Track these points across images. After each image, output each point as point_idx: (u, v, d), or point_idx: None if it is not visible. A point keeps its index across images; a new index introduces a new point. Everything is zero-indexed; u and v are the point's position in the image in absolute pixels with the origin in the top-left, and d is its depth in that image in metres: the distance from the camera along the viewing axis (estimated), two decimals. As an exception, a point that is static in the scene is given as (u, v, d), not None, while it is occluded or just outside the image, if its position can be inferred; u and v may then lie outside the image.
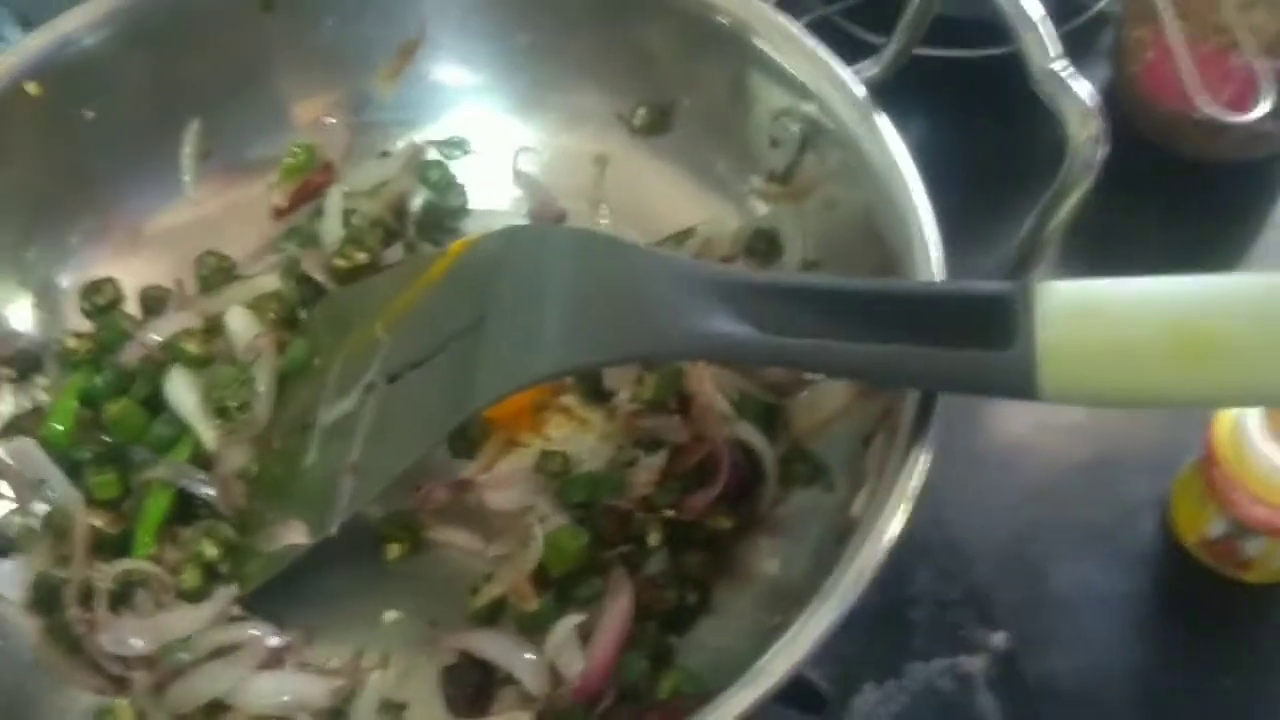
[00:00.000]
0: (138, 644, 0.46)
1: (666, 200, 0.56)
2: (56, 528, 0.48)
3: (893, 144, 0.45)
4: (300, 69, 0.56)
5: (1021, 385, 0.34)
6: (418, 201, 0.57)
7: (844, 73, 0.47)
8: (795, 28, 0.48)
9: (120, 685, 0.45)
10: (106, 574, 0.47)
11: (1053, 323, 0.34)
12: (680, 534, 0.47)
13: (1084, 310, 0.35)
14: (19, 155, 0.51)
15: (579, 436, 0.51)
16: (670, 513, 0.47)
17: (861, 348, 0.36)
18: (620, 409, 0.50)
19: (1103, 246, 0.64)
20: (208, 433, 0.50)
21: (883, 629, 0.52)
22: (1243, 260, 0.66)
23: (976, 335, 0.35)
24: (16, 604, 0.46)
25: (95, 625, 0.46)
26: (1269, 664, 0.54)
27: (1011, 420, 0.62)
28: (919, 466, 0.38)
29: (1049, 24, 0.39)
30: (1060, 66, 0.38)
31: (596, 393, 0.52)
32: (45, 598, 0.46)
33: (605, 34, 0.54)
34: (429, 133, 0.58)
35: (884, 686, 0.51)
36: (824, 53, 0.47)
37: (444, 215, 0.57)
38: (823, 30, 0.52)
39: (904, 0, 0.45)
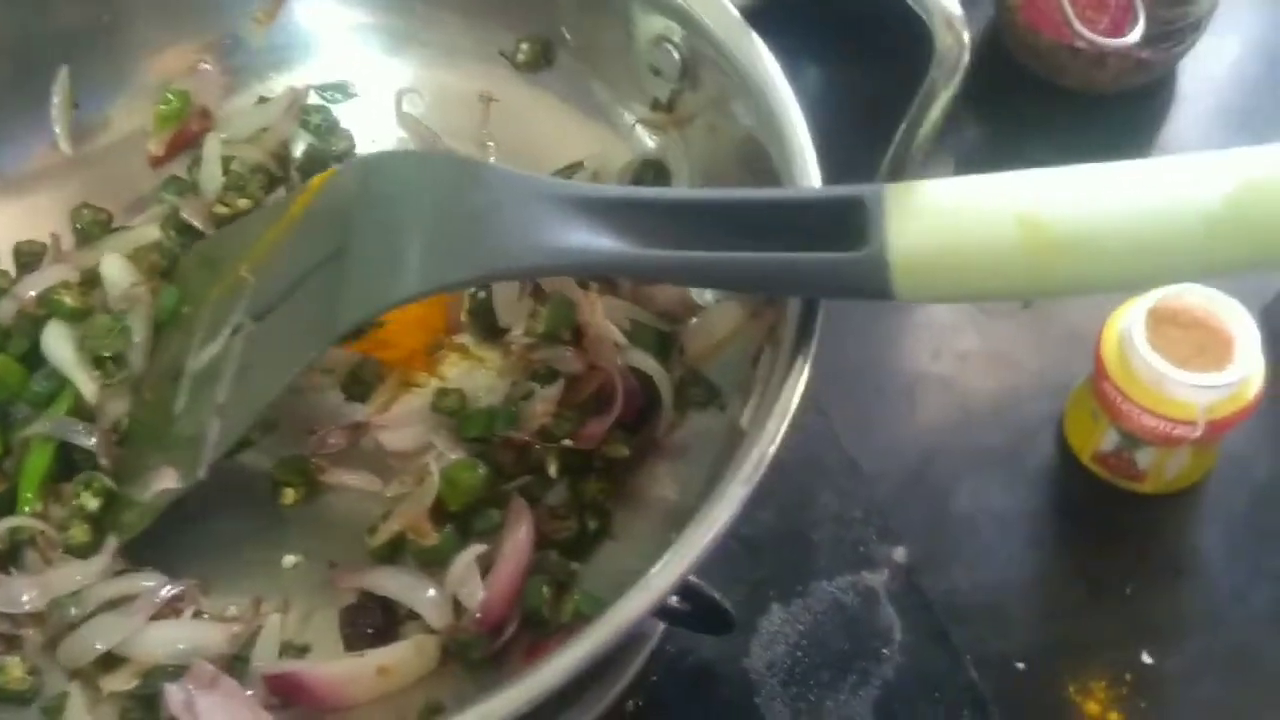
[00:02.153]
0: (26, 601, 0.44)
1: (553, 136, 0.55)
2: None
3: (769, 65, 0.45)
4: (170, 13, 0.55)
5: (877, 284, 0.35)
6: (300, 146, 0.56)
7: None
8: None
9: (10, 644, 0.44)
10: (-6, 532, 0.45)
11: (903, 221, 0.35)
12: (579, 463, 0.47)
13: (934, 208, 0.36)
14: None
15: (474, 374, 0.51)
16: (568, 442, 0.47)
17: (725, 256, 0.36)
18: (515, 344, 0.50)
19: (993, 171, 0.66)
20: (87, 385, 0.48)
21: (786, 550, 0.53)
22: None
23: (835, 238, 0.36)
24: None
25: (-19, 585, 0.44)
26: (1164, 571, 0.56)
27: (911, 349, 0.63)
28: (800, 376, 0.38)
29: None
30: (925, -29, 0.39)
31: (490, 329, 0.51)
32: (-72, 561, 0.45)
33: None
34: (308, 76, 0.57)
35: (790, 606, 0.52)
36: (700, -24, 0.47)
37: (329, 159, 0.56)
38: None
39: None
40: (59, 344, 0.49)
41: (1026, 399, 0.61)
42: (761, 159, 0.45)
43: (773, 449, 0.37)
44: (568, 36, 0.54)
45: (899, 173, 0.42)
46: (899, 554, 0.54)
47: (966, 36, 0.39)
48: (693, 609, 0.48)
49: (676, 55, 0.49)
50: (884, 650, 0.51)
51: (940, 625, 0.52)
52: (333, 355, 0.51)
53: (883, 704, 0.50)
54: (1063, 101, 0.70)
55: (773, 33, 0.47)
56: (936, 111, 0.40)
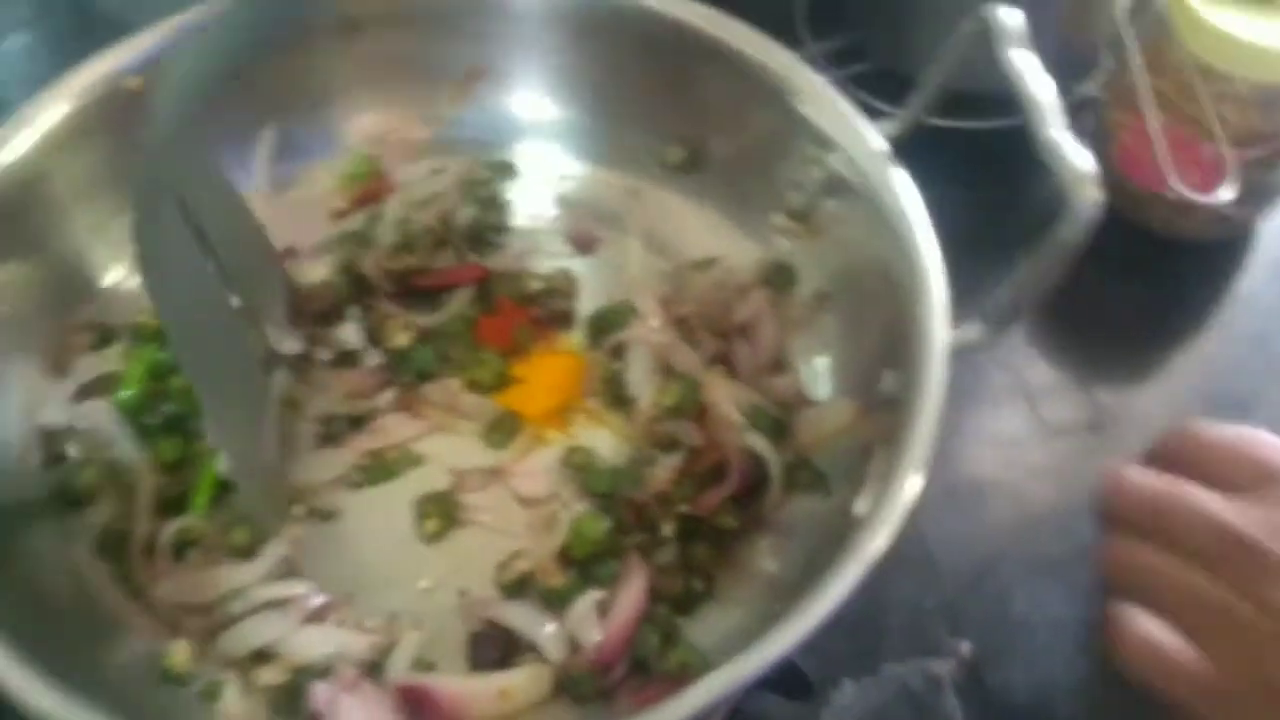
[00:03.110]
0: (195, 594, 0.50)
1: (693, 231, 0.61)
2: (123, 485, 0.52)
3: (907, 196, 0.50)
4: (372, 86, 0.61)
5: None
6: (465, 215, 0.62)
7: (866, 128, 0.52)
8: (828, 85, 0.54)
9: (174, 630, 0.50)
10: (167, 529, 0.51)
11: None
12: (690, 529, 0.52)
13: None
14: (112, 140, 0.55)
15: (600, 436, 0.56)
16: (684, 508, 0.52)
17: None
18: (642, 414, 0.55)
19: (1076, 305, 0.70)
20: None
21: (862, 630, 0.57)
22: (1201, 330, 0.72)
23: None
24: (85, 550, 0.50)
25: (157, 575, 0.50)
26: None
27: (984, 459, 0.67)
28: (915, 482, 0.43)
29: (1053, 93, 0.46)
30: (1063, 133, 0.44)
31: (618, 398, 0.57)
32: (112, 547, 0.51)
33: (657, 78, 0.59)
34: (481, 153, 0.64)
35: (861, 683, 0.56)
36: (851, 109, 0.53)
37: (487, 230, 0.62)
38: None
39: (914, 71, 0.50)
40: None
41: (1085, 516, 0.65)
42: (889, 278, 0.51)
43: (886, 545, 0.42)
44: (717, 145, 0.60)
45: (1013, 313, 0.47)
46: (965, 647, 0.58)
47: (1100, 195, 0.44)
48: (777, 674, 0.53)
49: (817, 173, 0.55)
50: (946, 735, 0.55)
51: (996, 716, 0.56)
52: (477, 405, 0.57)
53: (941, 785, 0.54)
54: (1144, 242, 0.74)
55: (916, 155, 0.52)
56: (1061, 262, 0.45)
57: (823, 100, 0.54)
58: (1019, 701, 0.58)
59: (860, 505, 0.45)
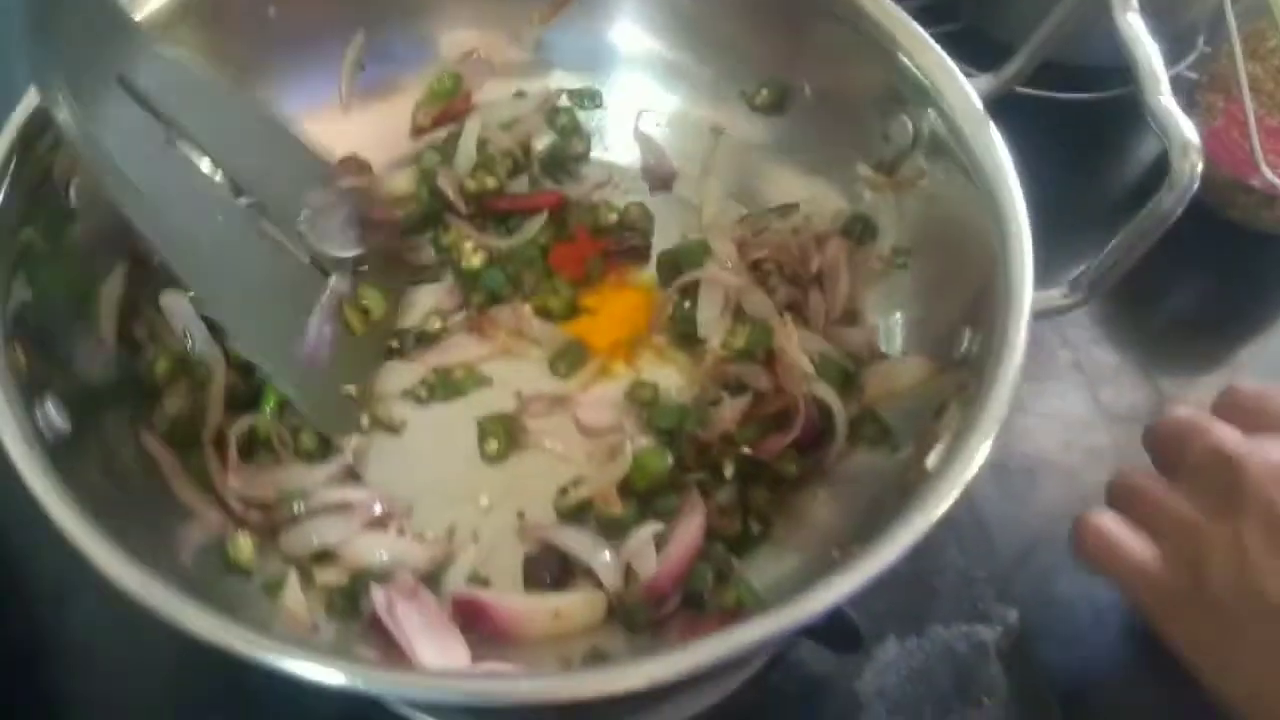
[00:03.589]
0: (262, 489, 0.51)
1: (773, 175, 0.61)
2: (196, 379, 0.52)
3: (1001, 157, 0.50)
4: (462, 2, 0.61)
5: None
6: (543, 141, 0.62)
7: (966, 83, 0.52)
8: (929, 39, 0.53)
9: (239, 523, 0.50)
10: (236, 426, 0.52)
11: None
12: (751, 471, 0.52)
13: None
14: (200, 36, 0.55)
15: (667, 372, 0.57)
16: (746, 450, 0.52)
17: None
18: (710, 354, 0.55)
19: (1144, 290, 0.70)
20: None
21: (911, 591, 0.58)
22: (1270, 326, 0.71)
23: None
24: (158, 438, 0.51)
25: (226, 469, 0.50)
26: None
27: (1042, 436, 0.67)
28: (989, 443, 0.43)
29: (1162, 62, 0.45)
30: (1170, 101, 0.43)
31: (687, 337, 0.57)
32: (182, 438, 0.51)
33: (755, 14, 0.58)
34: (564, 81, 0.63)
35: (905, 642, 0.56)
36: (951, 65, 0.52)
37: (566, 159, 0.62)
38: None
39: (1003, 33, 0.48)
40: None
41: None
42: (974, 238, 0.50)
43: (957, 493, 0.42)
44: (807, 90, 0.59)
45: (1104, 279, 0.46)
46: (1013, 616, 0.58)
47: (1200, 166, 0.43)
48: (826, 623, 0.53)
49: (910, 126, 0.54)
50: (986, 700, 0.55)
51: (1042, 692, 0.56)
52: (546, 331, 0.57)
53: (978, 749, 0.54)
54: (1222, 232, 0.73)
55: (1009, 118, 0.51)
56: (1157, 232, 0.44)
57: (925, 53, 0.53)
58: (1059, 679, 0.58)
59: (930, 460, 0.45)
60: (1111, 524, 0.49)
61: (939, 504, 0.42)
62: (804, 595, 0.41)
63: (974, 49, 0.68)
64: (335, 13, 0.59)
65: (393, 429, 0.54)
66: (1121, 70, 0.47)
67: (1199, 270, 0.72)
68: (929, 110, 0.53)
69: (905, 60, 0.53)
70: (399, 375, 0.55)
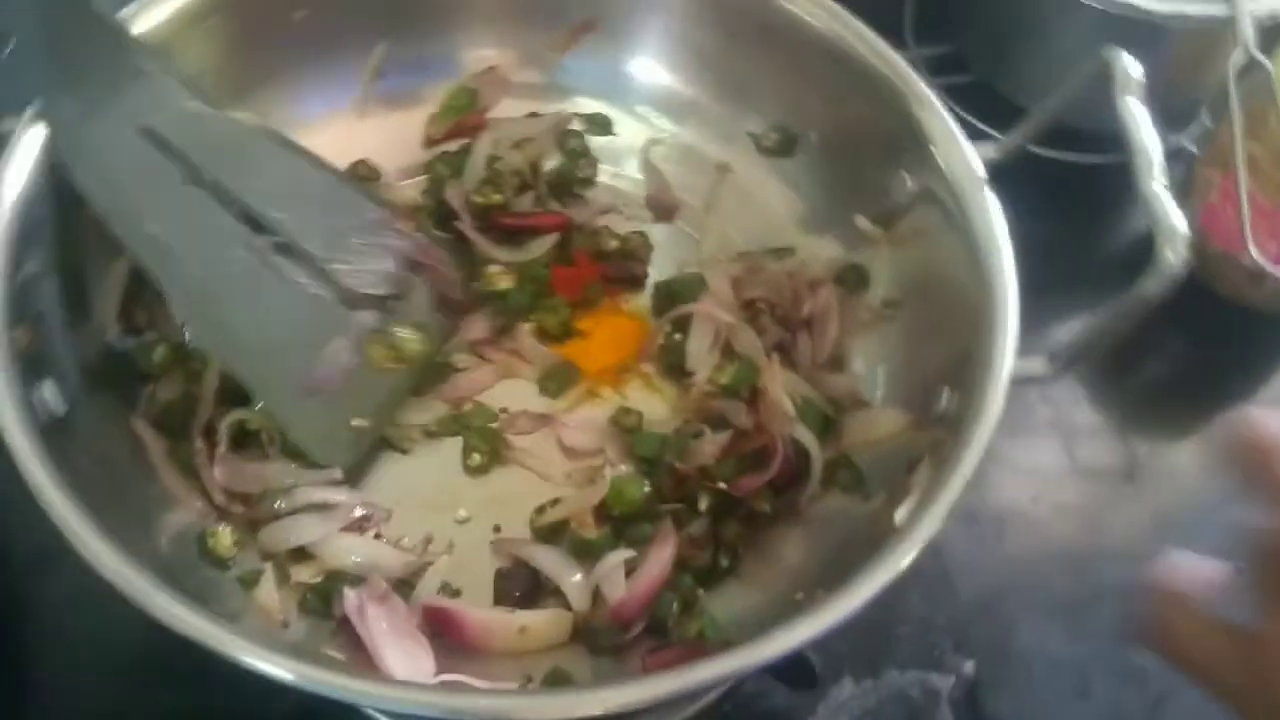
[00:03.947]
0: (244, 484, 0.52)
1: (774, 218, 0.62)
2: (192, 368, 0.53)
3: (996, 224, 0.51)
4: (486, 21, 0.62)
5: None
6: (552, 162, 0.63)
7: (969, 149, 0.53)
8: (937, 99, 0.54)
9: (221, 514, 0.51)
10: (226, 418, 0.53)
11: None
12: (724, 506, 0.54)
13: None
14: (224, 34, 0.56)
15: (652, 401, 0.58)
16: (723, 485, 0.53)
17: None
18: (695, 388, 0.56)
19: (1128, 354, 0.71)
20: None
21: (871, 634, 0.59)
22: (1248, 399, 0.72)
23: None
24: (148, 423, 0.52)
25: (214, 459, 0.52)
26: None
27: (1012, 489, 0.68)
28: (957, 497, 0.44)
29: (1160, 148, 0.46)
30: (1164, 189, 0.45)
31: (675, 368, 0.58)
32: (174, 424, 0.52)
33: (771, 59, 0.59)
34: (579, 105, 0.64)
35: (861, 683, 0.58)
36: (956, 127, 0.53)
37: (572, 181, 0.63)
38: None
39: (1013, 90, 0.48)
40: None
41: (1105, 560, 0.66)
42: (961, 297, 0.51)
43: (919, 549, 0.43)
44: (813, 137, 0.61)
45: (1081, 354, 0.48)
46: (968, 667, 0.59)
47: (1184, 256, 0.44)
48: (784, 661, 0.54)
49: (909, 185, 0.56)
50: (934, 747, 0.57)
51: (990, 742, 0.58)
52: (538, 352, 0.58)
53: (921, 795, 0.55)
54: (1210, 304, 0.74)
55: (1008, 174, 0.53)
56: (1133, 316, 0.45)
57: (931, 114, 0.54)
58: (1007, 733, 0.59)
59: (900, 515, 0.46)
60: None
61: (902, 558, 0.43)
62: (766, 636, 0.42)
63: (981, 103, 0.70)
64: (361, 21, 0.60)
65: (401, 451, 0.55)
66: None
67: (1184, 339, 0.73)
68: (930, 170, 0.54)
69: (910, 118, 0.54)
70: (415, 411, 0.56)
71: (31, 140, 0.49)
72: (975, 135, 0.54)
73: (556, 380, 0.58)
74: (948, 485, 0.45)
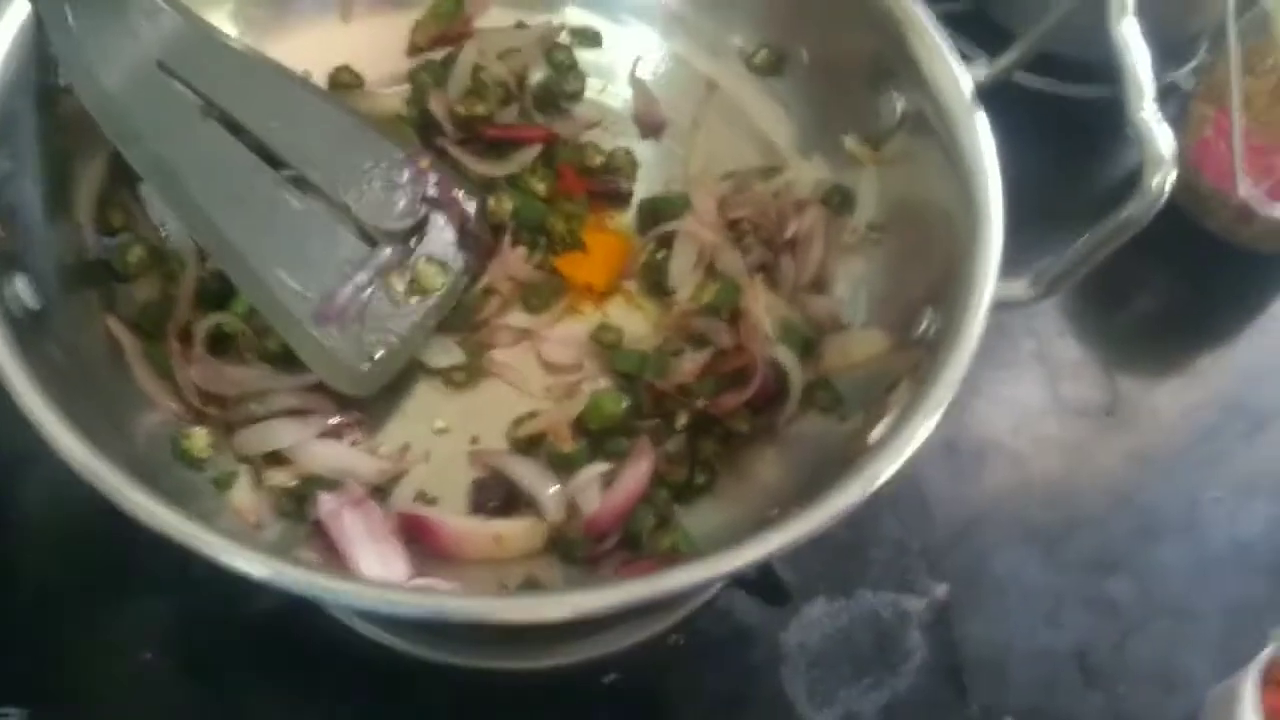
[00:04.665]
0: (220, 386, 0.51)
1: (761, 136, 0.61)
2: (168, 270, 0.53)
3: (984, 143, 0.50)
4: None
5: None
6: (537, 75, 0.62)
7: (960, 70, 0.52)
8: (931, 20, 0.53)
9: (197, 416, 0.51)
10: (203, 322, 0.52)
11: None
12: (702, 424, 0.54)
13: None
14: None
15: (633, 318, 0.57)
16: (701, 403, 0.53)
17: None
18: (677, 307, 0.56)
19: (1114, 289, 0.71)
20: None
21: (846, 555, 0.59)
22: (1233, 338, 0.73)
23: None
24: (124, 323, 0.51)
25: (191, 360, 0.51)
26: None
27: (993, 420, 0.68)
28: (933, 421, 0.44)
29: (1150, 73, 0.45)
30: (1151, 114, 0.44)
31: (657, 286, 0.58)
32: (150, 325, 0.52)
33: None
34: (565, 17, 0.63)
35: (833, 602, 0.58)
36: (949, 48, 0.53)
37: (559, 96, 0.62)
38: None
39: (1004, 17, 0.47)
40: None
41: (1083, 493, 0.66)
42: (948, 219, 0.51)
43: (895, 467, 0.43)
44: (804, 55, 0.60)
45: (1064, 278, 0.47)
46: (941, 590, 0.60)
47: (1169, 185, 0.44)
48: (757, 576, 0.55)
49: (899, 105, 0.55)
50: (902, 666, 0.57)
51: (957, 662, 0.58)
52: (519, 267, 0.57)
53: (887, 709, 0.56)
54: (1197, 241, 0.74)
55: (1000, 103, 0.52)
56: (1122, 237, 0.45)
57: (921, 33, 0.53)
58: (976, 654, 0.60)
59: (875, 434, 0.46)
60: None
61: (877, 476, 0.43)
62: (735, 548, 0.42)
63: (975, 31, 0.69)
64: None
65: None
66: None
67: (1171, 276, 0.73)
68: (919, 90, 0.53)
69: (901, 38, 0.53)
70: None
71: (9, 25, 0.48)
72: (970, 62, 0.53)
73: (539, 295, 0.57)
74: (924, 405, 0.44)
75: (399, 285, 0.52)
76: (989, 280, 0.47)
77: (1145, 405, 0.69)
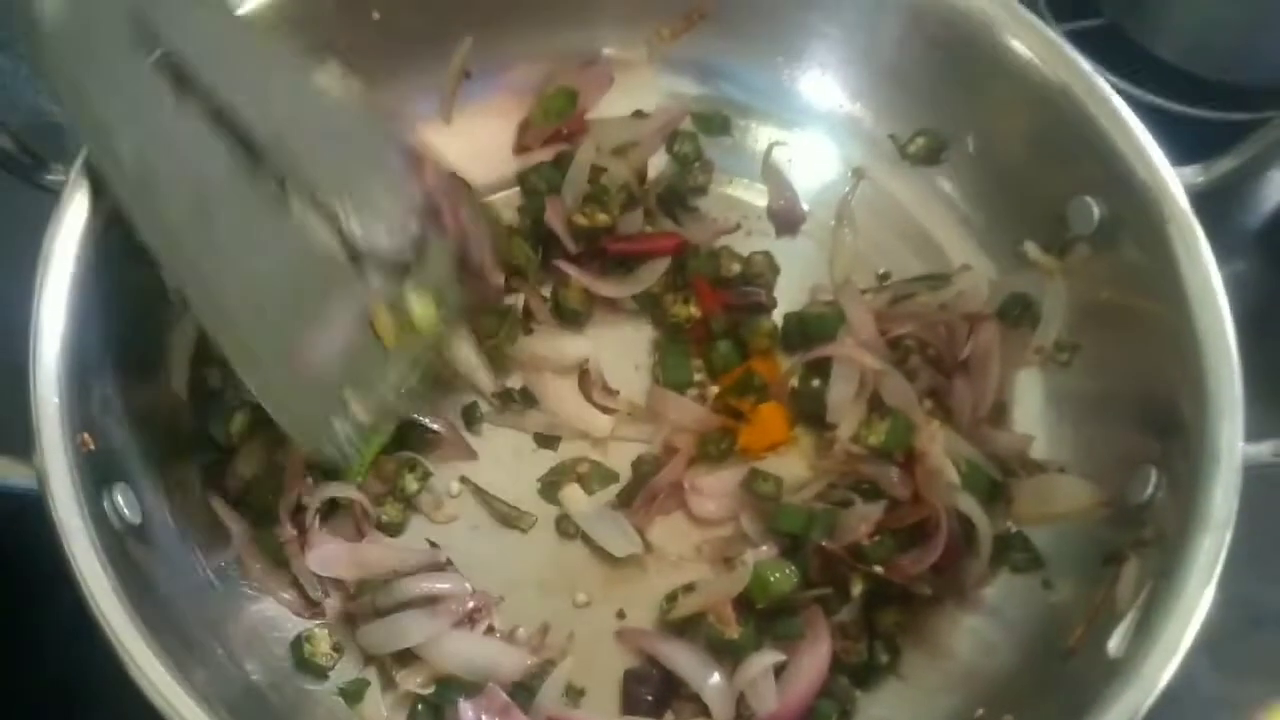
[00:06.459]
0: (343, 568, 0.46)
1: (917, 234, 0.54)
2: (275, 435, 0.47)
3: (1208, 270, 0.43)
4: (585, 10, 0.53)
5: None
6: (660, 169, 0.55)
7: (1167, 171, 0.44)
8: (1131, 114, 0.46)
9: (313, 608, 0.46)
10: (318, 493, 0.46)
11: None
12: (876, 588, 0.47)
13: None
14: (297, 41, 0.48)
15: (788, 457, 0.51)
16: (879, 569, 0.46)
17: None
18: (839, 445, 0.49)
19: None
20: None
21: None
22: None
23: None
24: (225, 504, 0.46)
25: (304, 544, 0.46)
26: None
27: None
28: (1188, 632, 0.38)
29: None
30: None
31: (812, 416, 0.51)
32: (259, 503, 0.47)
33: (928, 52, 0.51)
34: (691, 104, 0.55)
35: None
36: (1151, 143, 0.45)
37: (685, 193, 0.55)
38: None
39: (1151, 39, 0.40)
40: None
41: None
42: (1163, 356, 0.44)
43: (1153, 694, 0.37)
44: (970, 145, 0.52)
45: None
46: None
47: None
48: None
49: (1096, 212, 0.47)
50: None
51: None
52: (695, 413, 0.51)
53: None
54: None
55: (1214, 219, 0.44)
56: None
57: (1121, 129, 0.46)
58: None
59: (1114, 644, 0.39)
60: None
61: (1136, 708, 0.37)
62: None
63: (1111, 50, 0.60)
64: (444, 15, 0.52)
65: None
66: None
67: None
68: (1121, 198, 0.46)
69: (1099, 135, 0.46)
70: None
71: (82, 197, 0.42)
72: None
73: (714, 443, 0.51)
74: (1172, 614, 0.38)
75: (385, 321, 0.44)
76: (1229, 444, 0.40)
77: None
